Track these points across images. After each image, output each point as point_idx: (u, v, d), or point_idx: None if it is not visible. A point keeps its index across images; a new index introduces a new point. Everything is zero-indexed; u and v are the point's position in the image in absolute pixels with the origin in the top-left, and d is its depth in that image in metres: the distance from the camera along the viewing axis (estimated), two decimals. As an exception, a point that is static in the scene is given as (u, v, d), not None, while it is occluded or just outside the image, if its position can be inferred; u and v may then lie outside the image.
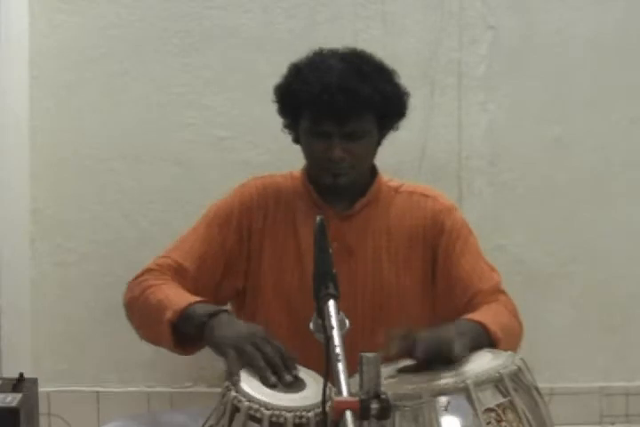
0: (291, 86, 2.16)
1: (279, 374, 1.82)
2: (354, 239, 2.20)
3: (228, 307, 2.24)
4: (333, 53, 2.17)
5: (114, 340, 2.63)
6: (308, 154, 2.20)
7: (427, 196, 2.27)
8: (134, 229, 2.68)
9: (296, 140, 2.24)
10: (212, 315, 1.94)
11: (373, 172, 2.28)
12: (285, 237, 2.23)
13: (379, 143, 2.23)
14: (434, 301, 2.23)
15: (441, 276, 2.21)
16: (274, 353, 1.85)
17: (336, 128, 2.11)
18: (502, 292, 2.19)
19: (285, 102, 2.19)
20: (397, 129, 2.24)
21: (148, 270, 2.18)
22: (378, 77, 2.14)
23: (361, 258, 2.20)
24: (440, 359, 1.83)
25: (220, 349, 1.89)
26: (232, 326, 1.93)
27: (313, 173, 2.23)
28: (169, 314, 1.98)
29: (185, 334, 2.00)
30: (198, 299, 2.02)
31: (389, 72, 2.19)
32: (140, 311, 2.12)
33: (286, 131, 2.25)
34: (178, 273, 2.17)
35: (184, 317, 1.97)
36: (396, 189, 2.27)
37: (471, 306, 2.12)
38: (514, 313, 2.15)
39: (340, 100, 2.07)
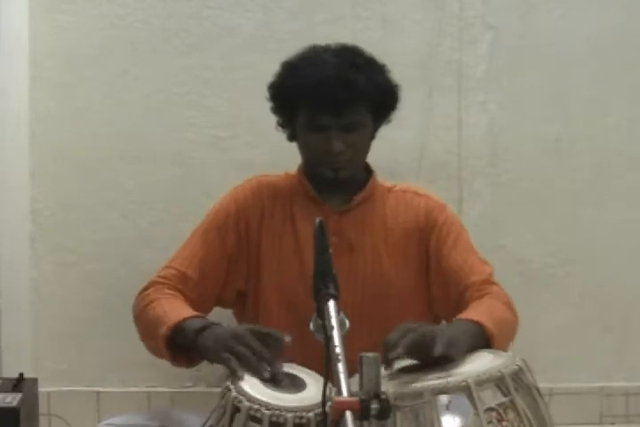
0: (286, 82, 2.18)
1: (272, 368, 1.83)
2: (353, 233, 2.22)
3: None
4: (326, 49, 2.19)
5: (114, 340, 2.63)
6: (307, 149, 2.21)
7: (419, 194, 2.30)
8: (134, 229, 2.68)
9: (291, 138, 2.25)
10: (200, 331, 1.95)
11: (368, 169, 2.29)
12: (283, 234, 2.24)
13: (372, 136, 2.24)
14: (430, 299, 2.24)
15: (434, 271, 2.22)
16: (262, 347, 1.85)
17: (334, 120, 2.12)
18: (494, 283, 2.19)
19: (281, 99, 2.20)
20: (389, 122, 2.26)
21: (152, 283, 2.20)
22: (371, 69, 2.17)
23: (361, 252, 2.21)
24: (422, 353, 1.81)
25: (217, 357, 1.89)
26: (219, 334, 1.93)
27: (312, 168, 2.23)
28: (163, 330, 1.99)
29: (185, 346, 2.00)
30: (191, 314, 2.03)
31: (380, 65, 2.21)
32: (142, 326, 2.15)
33: (280, 129, 2.26)
34: (181, 282, 2.19)
35: (178, 332, 1.99)
36: (390, 189, 2.30)
37: (464, 300, 2.12)
38: (507, 304, 2.13)
39: (338, 92, 2.09)
